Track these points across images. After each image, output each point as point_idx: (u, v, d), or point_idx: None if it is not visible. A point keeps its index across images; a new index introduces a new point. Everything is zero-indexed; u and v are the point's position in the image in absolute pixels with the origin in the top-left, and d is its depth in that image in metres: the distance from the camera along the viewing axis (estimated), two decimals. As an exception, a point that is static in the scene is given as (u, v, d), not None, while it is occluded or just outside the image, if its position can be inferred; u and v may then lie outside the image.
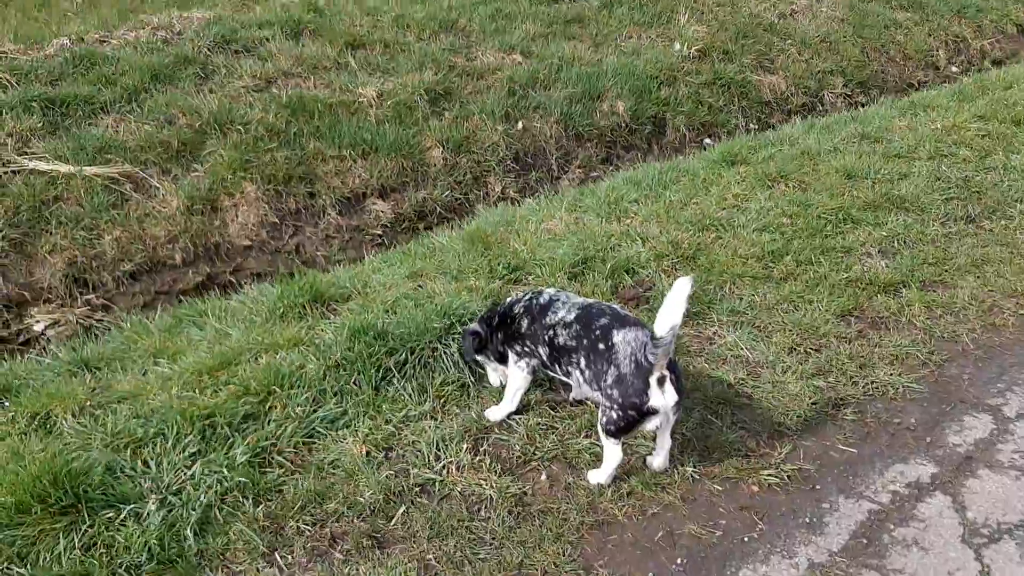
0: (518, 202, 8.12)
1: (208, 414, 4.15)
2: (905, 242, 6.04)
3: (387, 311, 5.06)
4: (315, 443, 4.17)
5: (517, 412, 4.37)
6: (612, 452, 3.87)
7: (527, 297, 4.27)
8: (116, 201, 6.99)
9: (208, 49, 8.78)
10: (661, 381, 3.65)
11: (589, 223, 6.32)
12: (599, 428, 3.86)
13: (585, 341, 3.90)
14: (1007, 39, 13.20)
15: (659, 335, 3.52)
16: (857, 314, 5.27)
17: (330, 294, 5.40)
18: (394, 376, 4.54)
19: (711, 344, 4.99)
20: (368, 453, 4.09)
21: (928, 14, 12.61)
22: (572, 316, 4.02)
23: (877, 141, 7.83)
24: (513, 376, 4.31)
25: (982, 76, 10.51)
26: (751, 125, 9.88)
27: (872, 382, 4.67)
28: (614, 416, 3.74)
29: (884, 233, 6.11)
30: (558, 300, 4.14)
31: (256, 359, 4.66)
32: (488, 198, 8.34)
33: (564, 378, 4.15)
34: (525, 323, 4.17)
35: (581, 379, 3.98)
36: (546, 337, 4.06)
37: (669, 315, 3.50)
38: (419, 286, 5.45)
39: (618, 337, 3.78)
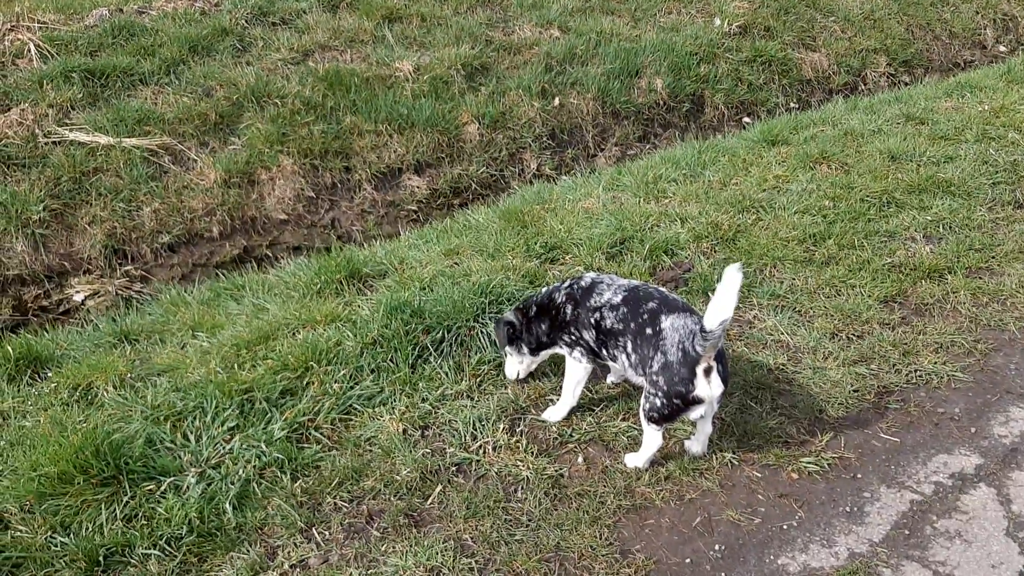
0: (554, 179, 8.08)
1: (246, 389, 4.17)
2: (951, 227, 5.91)
3: (423, 288, 5.05)
4: (352, 420, 4.18)
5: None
6: (652, 438, 3.83)
7: (567, 284, 4.13)
8: (155, 173, 7.04)
9: (246, 21, 8.79)
10: (708, 371, 3.58)
11: (627, 202, 6.25)
12: (641, 414, 3.81)
13: (632, 325, 3.81)
14: (1058, 18, 12.85)
15: (709, 328, 3.44)
16: (901, 300, 5.17)
17: (367, 270, 5.40)
18: (430, 354, 4.54)
19: (751, 328, 4.93)
20: (405, 431, 4.10)
21: (976, -9, 12.31)
22: (619, 298, 3.90)
23: (922, 123, 7.66)
24: (572, 370, 4.16)
25: (1031, 56, 10.26)
26: (791, 104, 9.73)
27: (916, 370, 4.59)
28: (658, 404, 3.68)
29: (929, 217, 5.99)
30: (602, 282, 4.02)
31: (294, 334, 4.68)
32: (524, 175, 8.29)
33: (610, 362, 4.06)
34: (569, 309, 4.04)
35: (627, 363, 3.88)
36: (592, 320, 3.95)
37: (720, 308, 3.39)
38: (456, 263, 5.43)
39: (666, 323, 3.69)
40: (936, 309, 5.10)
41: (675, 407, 3.66)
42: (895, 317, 5.00)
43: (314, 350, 4.43)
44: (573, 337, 4.05)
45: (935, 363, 4.63)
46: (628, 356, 3.85)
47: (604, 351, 3.99)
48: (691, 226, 5.79)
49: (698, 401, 3.64)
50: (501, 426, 4.14)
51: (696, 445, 4.00)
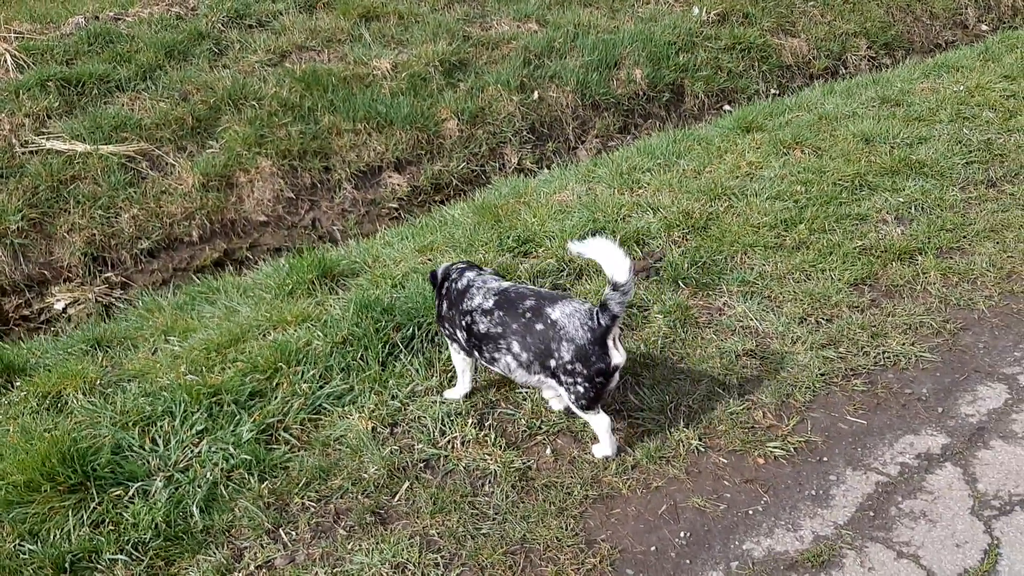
0: (534, 173, 8.08)
1: (215, 391, 4.19)
2: (922, 208, 5.92)
3: (395, 286, 5.07)
4: (321, 419, 4.20)
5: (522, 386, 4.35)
6: (598, 421, 3.87)
7: (450, 278, 4.15)
8: (132, 179, 7.06)
9: (222, 24, 8.80)
10: (615, 339, 3.69)
11: (601, 194, 6.26)
12: (573, 407, 3.83)
13: (515, 325, 3.80)
14: (1041, -6, 12.83)
15: (622, 280, 3.52)
16: (871, 283, 5.18)
17: (339, 269, 5.42)
18: (401, 351, 4.55)
19: (720, 315, 4.94)
20: (374, 429, 4.11)
21: (956, -30, 12.28)
22: (491, 303, 3.90)
23: (897, 104, 7.66)
24: (455, 358, 4.26)
25: (1011, 34, 10.21)
26: (772, 90, 9.72)
27: (884, 352, 4.60)
28: (582, 390, 3.72)
29: (901, 199, 5.99)
30: (474, 285, 4.03)
31: (264, 336, 4.69)
32: (504, 169, 8.30)
33: (488, 364, 4.02)
34: (444, 306, 4.11)
35: (514, 364, 3.85)
36: (464, 323, 3.97)
37: (617, 262, 3.51)
38: (429, 260, 5.45)
39: (556, 314, 3.73)
40: (906, 290, 5.11)
41: (599, 385, 3.72)
42: (864, 300, 5.01)
43: (284, 351, 4.45)
44: (449, 331, 4.14)
45: (903, 344, 4.64)
46: (516, 356, 3.82)
47: (478, 354, 4.00)
48: (663, 215, 5.80)
49: (616, 369, 3.72)
50: (470, 421, 4.16)
51: (557, 404, 4.15)
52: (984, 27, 11.98)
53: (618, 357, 3.71)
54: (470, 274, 4.12)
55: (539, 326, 3.75)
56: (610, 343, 3.67)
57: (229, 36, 8.68)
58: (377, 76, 8.46)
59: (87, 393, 4.32)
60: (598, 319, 3.64)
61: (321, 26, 9.00)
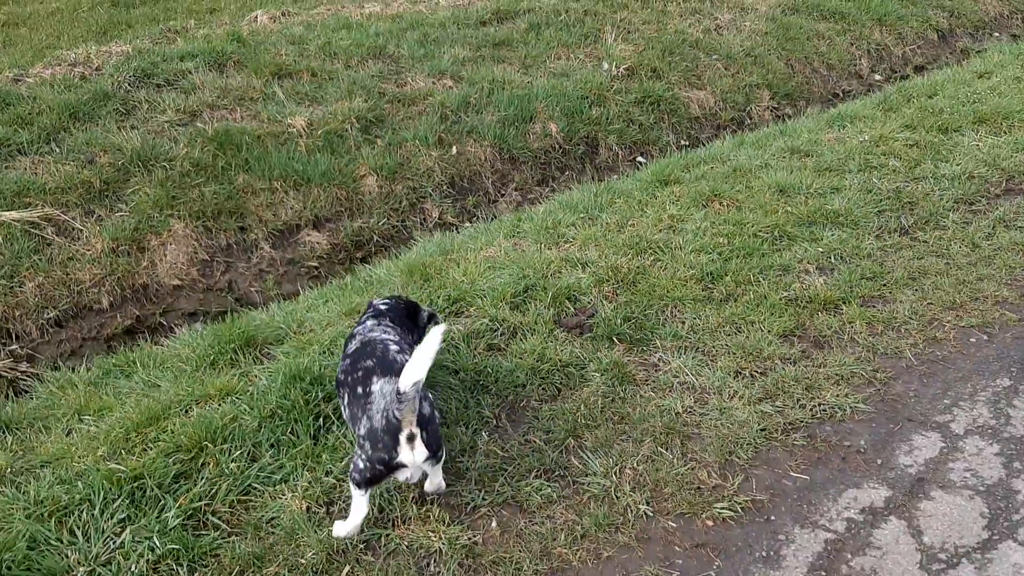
0: (456, 227, 8.03)
1: (137, 475, 3.94)
2: (841, 257, 6.04)
3: (324, 352, 4.91)
4: (252, 500, 3.98)
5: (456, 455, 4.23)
6: (357, 503, 3.71)
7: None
8: (37, 246, 6.74)
9: (128, 84, 8.55)
10: (411, 438, 3.57)
11: (528, 249, 6.22)
12: (348, 475, 3.76)
13: (350, 379, 3.90)
14: (928, 45, 13.46)
15: (403, 390, 3.47)
16: (799, 333, 5.24)
17: (263, 337, 5.22)
18: (333, 423, 4.38)
19: (656, 371, 4.91)
20: (308, 509, 3.92)
21: (849, 23, 12.77)
22: (352, 349, 4.07)
23: (807, 155, 7.86)
24: None
25: (906, 84, 10.64)
26: (682, 141, 9.91)
27: (819, 404, 4.63)
28: (361, 466, 3.62)
29: (820, 249, 6.10)
30: (360, 333, 4.19)
31: (186, 412, 4.46)
32: (426, 224, 8.23)
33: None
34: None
35: (344, 415, 4.01)
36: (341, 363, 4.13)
37: (413, 369, 3.45)
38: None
39: (376, 387, 3.69)
40: (834, 340, 5.18)
41: (378, 472, 3.64)
42: (795, 351, 5.05)
43: (208, 428, 4.23)
44: None
45: (837, 396, 4.68)
46: (345, 408, 3.93)
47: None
48: (592, 270, 5.79)
49: (402, 466, 3.63)
50: (411, 495, 4.00)
51: (429, 486, 3.99)
52: (877, 76, 12.50)
53: (408, 456, 3.58)
54: (370, 323, 4.28)
55: (359, 390, 3.77)
56: (402, 439, 3.56)
57: (136, 96, 8.43)
58: (292, 134, 8.32)
59: (-4, 484, 4.02)
60: (394, 410, 3.55)
61: (232, 84, 8.82)
